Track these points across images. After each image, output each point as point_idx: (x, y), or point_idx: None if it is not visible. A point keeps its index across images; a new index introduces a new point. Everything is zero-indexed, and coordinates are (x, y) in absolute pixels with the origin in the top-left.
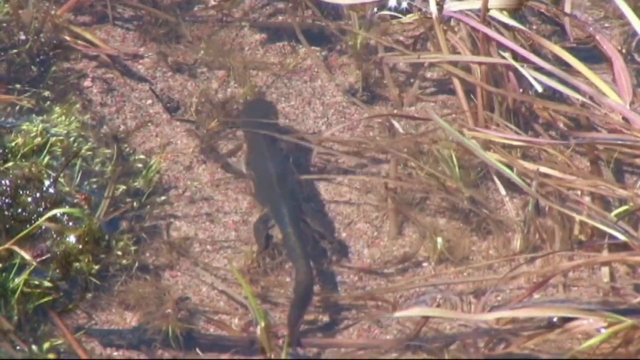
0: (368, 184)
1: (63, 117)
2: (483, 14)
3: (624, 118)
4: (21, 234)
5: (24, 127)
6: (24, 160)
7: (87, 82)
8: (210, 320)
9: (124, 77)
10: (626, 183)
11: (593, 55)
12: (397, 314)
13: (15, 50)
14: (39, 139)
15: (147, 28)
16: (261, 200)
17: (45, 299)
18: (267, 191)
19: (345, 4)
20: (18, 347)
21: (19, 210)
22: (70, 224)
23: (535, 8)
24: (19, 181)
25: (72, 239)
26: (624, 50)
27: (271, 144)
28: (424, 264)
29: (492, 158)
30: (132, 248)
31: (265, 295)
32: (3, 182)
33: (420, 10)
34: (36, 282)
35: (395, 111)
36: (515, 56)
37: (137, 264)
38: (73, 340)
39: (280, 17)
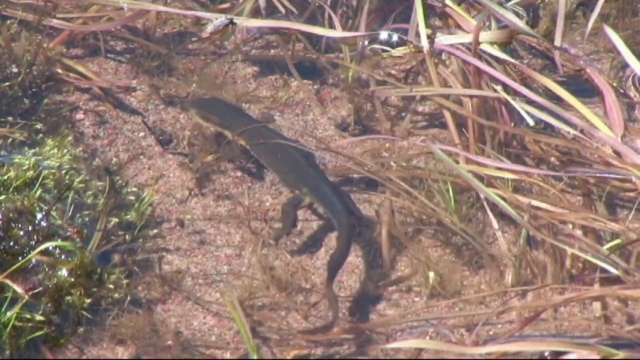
0: (361, 218)
1: (55, 150)
2: (474, 48)
3: (615, 151)
4: (13, 267)
5: (17, 160)
6: (16, 193)
7: (79, 115)
8: (202, 355)
9: (116, 109)
10: (618, 216)
11: (584, 89)
12: (390, 345)
13: (7, 83)
14: (31, 172)
15: (139, 61)
16: (293, 183)
17: (38, 333)
18: (299, 174)
19: (337, 37)
20: None
21: (11, 243)
22: (63, 257)
23: (526, 42)
24: (11, 214)
25: (64, 272)
26: (614, 84)
27: (272, 129)
28: (416, 298)
29: (487, 190)
30: (124, 281)
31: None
32: None
33: (411, 43)
34: (28, 316)
35: (387, 144)
36: (507, 89)
37: (129, 298)
38: None
39: (272, 51)
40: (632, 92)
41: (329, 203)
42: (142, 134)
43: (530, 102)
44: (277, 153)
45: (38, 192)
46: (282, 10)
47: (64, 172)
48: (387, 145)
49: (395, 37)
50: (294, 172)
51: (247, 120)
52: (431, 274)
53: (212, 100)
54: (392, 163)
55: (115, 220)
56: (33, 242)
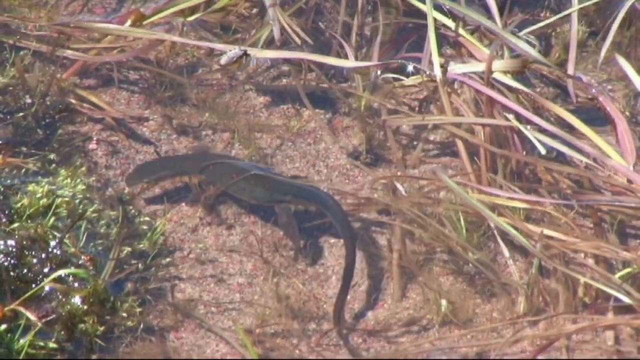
0: (372, 247)
1: (68, 180)
2: (487, 77)
3: (628, 180)
4: (26, 295)
5: (30, 188)
6: (29, 221)
7: (92, 145)
8: None
9: (129, 139)
10: (630, 245)
11: (596, 117)
12: None
13: (21, 114)
14: (44, 200)
15: (152, 91)
16: (267, 197)
17: None
18: (269, 186)
19: (350, 67)
20: None
21: (25, 270)
22: (76, 284)
23: (539, 71)
24: (24, 242)
25: (77, 299)
26: (627, 112)
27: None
28: (429, 326)
29: (498, 219)
30: (137, 310)
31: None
32: (9, 242)
33: (424, 72)
34: (41, 344)
35: (399, 173)
36: (519, 118)
37: (142, 326)
38: None
39: (284, 80)
40: None
41: (319, 202)
42: None
43: (543, 131)
44: (230, 175)
45: (51, 220)
46: (297, 40)
47: (77, 201)
48: (398, 174)
49: (410, 67)
50: (260, 186)
51: (187, 156)
52: (443, 302)
53: (144, 165)
54: (403, 192)
55: (128, 249)
56: (46, 270)
